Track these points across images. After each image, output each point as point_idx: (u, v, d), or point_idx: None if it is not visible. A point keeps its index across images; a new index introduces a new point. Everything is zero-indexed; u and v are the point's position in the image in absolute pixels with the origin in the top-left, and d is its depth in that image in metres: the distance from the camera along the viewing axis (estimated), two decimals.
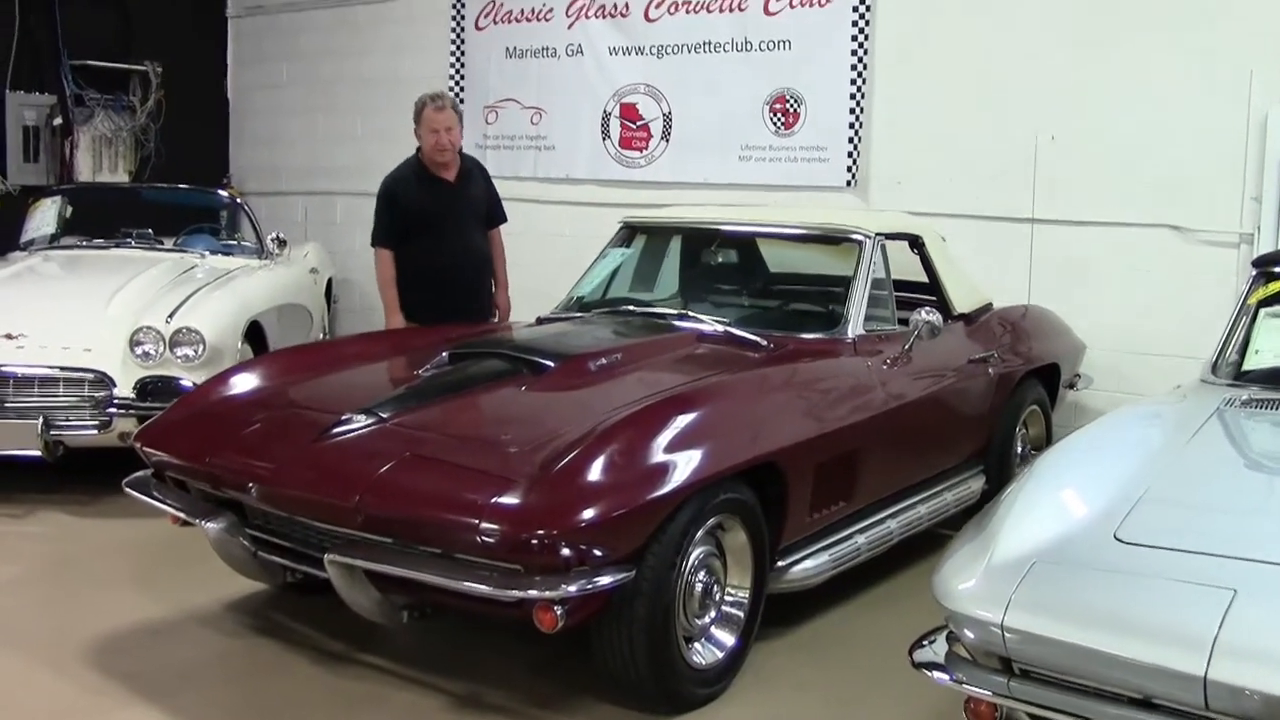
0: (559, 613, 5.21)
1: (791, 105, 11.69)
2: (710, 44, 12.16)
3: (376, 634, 6.69)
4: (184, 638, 6.75)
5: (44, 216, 11.79)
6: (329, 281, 13.39)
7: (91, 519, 8.75)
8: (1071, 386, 9.67)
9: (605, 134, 12.84)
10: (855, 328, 7.54)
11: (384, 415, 6.13)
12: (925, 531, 7.57)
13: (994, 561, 4.33)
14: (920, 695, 5.89)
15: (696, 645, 5.95)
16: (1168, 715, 3.82)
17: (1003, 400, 8.57)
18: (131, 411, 8.62)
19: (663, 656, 5.63)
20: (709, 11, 12.13)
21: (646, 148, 12.61)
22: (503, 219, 9.60)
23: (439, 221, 9.04)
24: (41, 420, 8.65)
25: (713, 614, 6.03)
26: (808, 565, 6.60)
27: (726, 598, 6.11)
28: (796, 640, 6.80)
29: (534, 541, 5.14)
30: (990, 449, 8.49)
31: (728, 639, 6.07)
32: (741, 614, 6.14)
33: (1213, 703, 3.70)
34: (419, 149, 9.26)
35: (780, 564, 6.44)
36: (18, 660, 6.41)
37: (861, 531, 7.07)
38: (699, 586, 5.87)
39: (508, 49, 13.46)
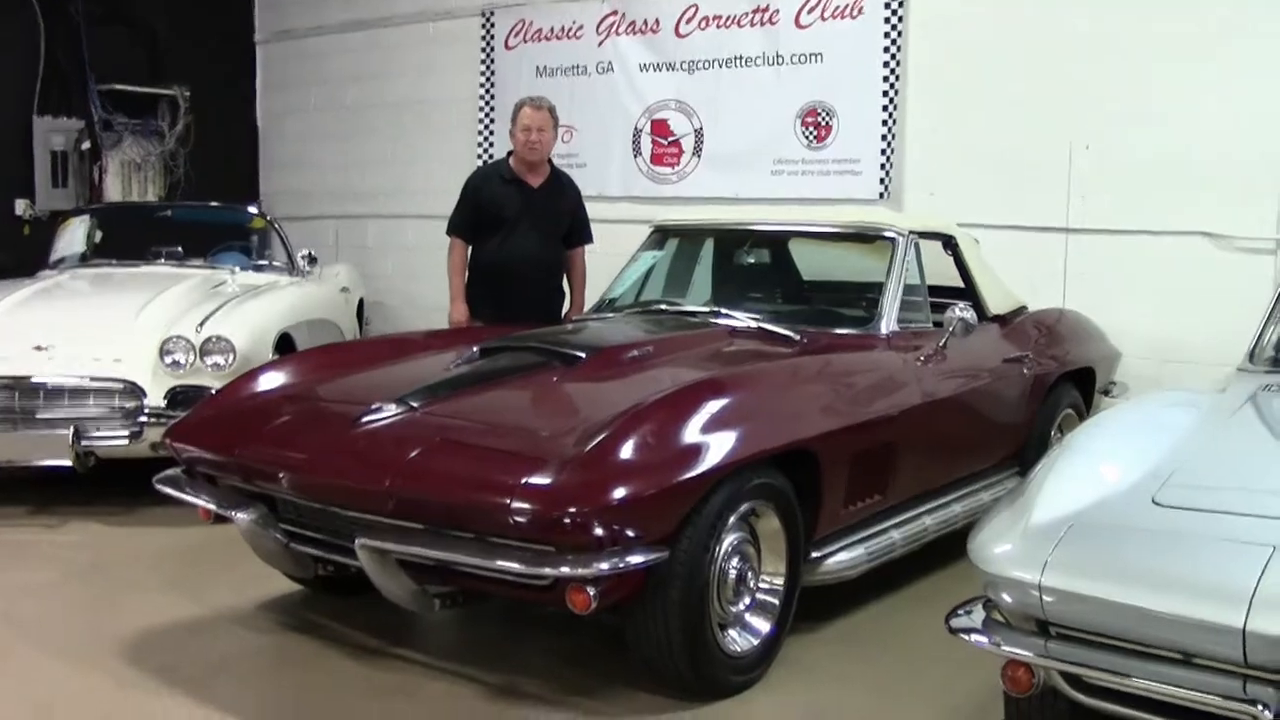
0: (592, 593, 5.17)
1: (823, 118, 11.69)
2: (741, 58, 12.18)
3: (410, 629, 6.72)
4: (218, 635, 6.72)
5: (73, 236, 11.79)
6: (360, 302, 13.35)
7: (124, 527, 8.71)
8: (1107, 393, 9.61)
9: (637, 150, 12.87)
10: (889, 324, 7.51)
11: (415, 404, 6.11)
12: (959, 531, 7.49)
13: (1031, 525, 4.30)
14: (960, 685, 5.93)
15: (732, 632, 5.90)
16: (1205, 672, 3.78)
17: (1037, 402, 8.52)
18: (162, 421, 8.45)
19: (698, 641, 5.59)
20: (739, 26, 12.16)
21: (678, 164, 12.63)
22: (587, 240, 9.67)
23: (512, 223, 9.13)
24: (72, 431, 8.58)
25: (747, 601, 5.98)
26: (843, 558, 6.55)
27: (761, 585, 6.05)
28: (833, 634, 6.77)
29: (566, 520, 5.10)
30: (1025, 451, 8.39)
31: (763, 626, 6.03)
32: (776, 601, 6.09)
33: (1251, 656, 3.66)
34: (510, 151, 9.41)
35: (815, 555, 6.39)
36: (54, 658, 6.38)
37: (897, 527, 7.04)
38: (733, 572, 5.82)
39: (538, 68, 13.52)
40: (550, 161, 9.44)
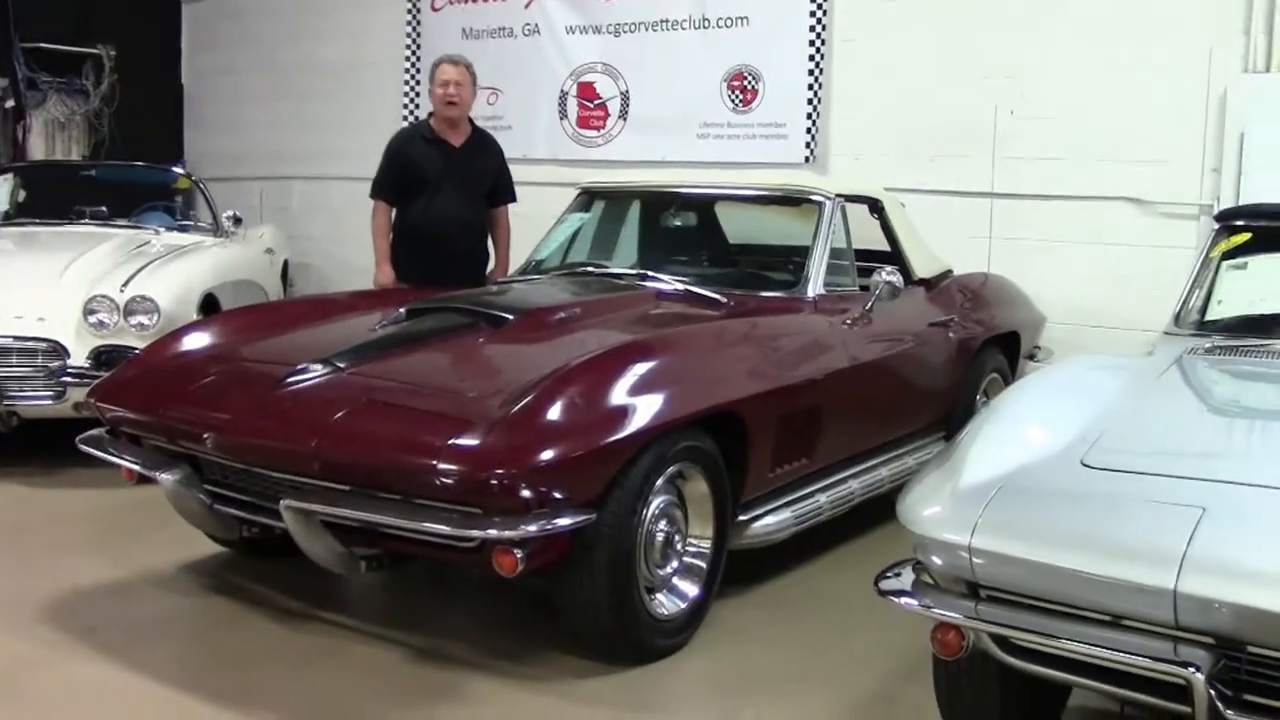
0: (519, 556, 5.14)
1: (750, 82, 11.68)
2: (668, 22, 12.17)
3: (336, 592, 6.68)
4: (140, 596, 6.67)
5: None
6: (285, 264, 13.29)
7: (46, 489, 8.63)
8: (1031, 358, 9.65)
9: (563, 113, 12.85)
10: (816, 287, 7.51)
11: (341, 365, 6.07)
12: (886, 495, 7.49)
13: (960, 487, 4.27)
14: (890, 647, 5.95)
15: (659, 596, 5.90)
16: (1136, 634, 3.77)
17: (963, 366, 8.57)
18: (86, 381, 8.27)
19: (625, 605, 5.57)
20: None
21: (604, 127, 12.61)
22: (510, 199, 9.61)
23: (434, 183, 9.07)
24: None
25: (675, 564, 5.97)
26: (770, 521, 6.56)
27: (688, 548, 6.05)
28: (761, 597, 6.76)
29: (493, 482, 5.09)
30: (952, 416, 8.42)
31: (690, 589, 6.02)
32: (704, 564, 6.09)
33: (1182, 617, 3.65)
34: (431, 112, 9.42)
35: (742, 518, 6.39)
36: None
37: (823, 490, 7.06)
38: (660, 536, 5.81)
39: (464, 29, 13.45)
40: (471, 120, 9.40)
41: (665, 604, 5.92)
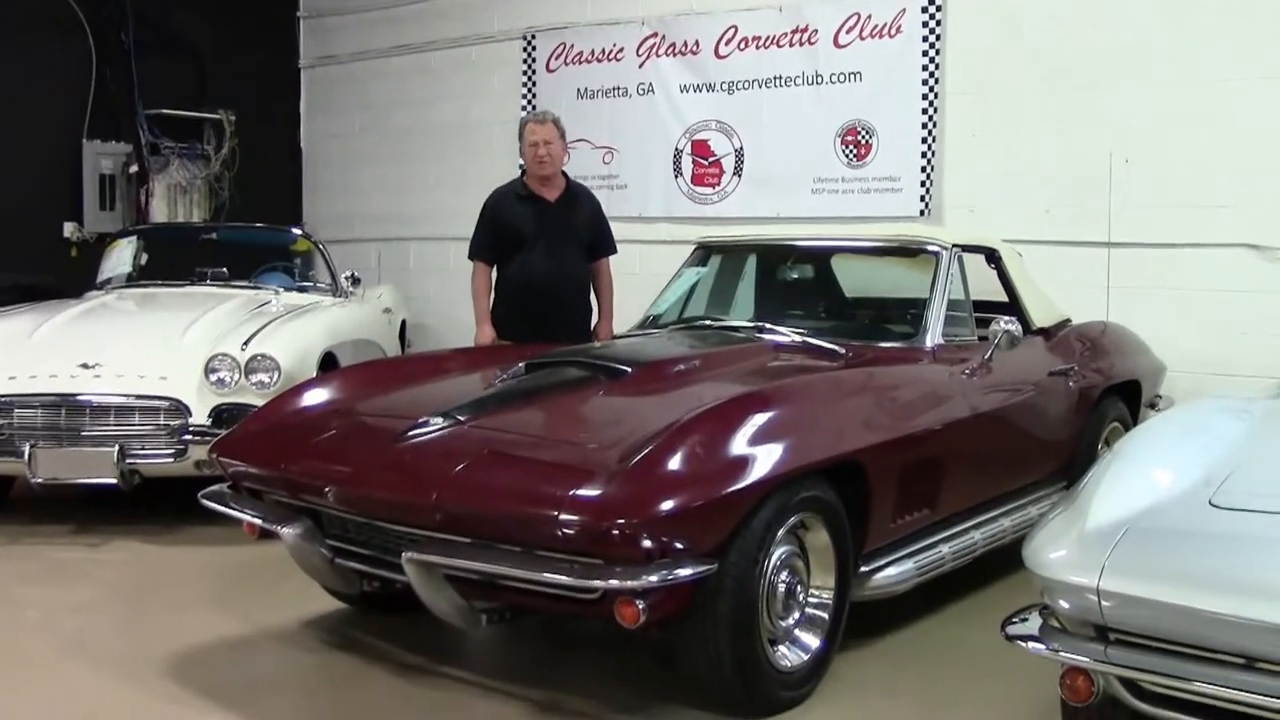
0: (641, 606, 5.10)
1: (863, 137, 11.67)
2: (781, 78, 12.17)
3: (455, 646, 6.70)
4: (261, 652, 6.71)
5: (120, 257, 11.90)
6: (403, 324, 13.39)
7: (168, 546, 8.72)
8: (1153, 406, 9.52)
9: (677, 171, 12.87)
10: (934, 337, 7.49)
11: (461, 418, 6.08)
12: (1009, 546, 7.41)
13: (1086, 529, 4.24)
14: (1015, 699, 5.85)
15: (781, 647, 5.84)
16: (1272, 676, 3.71)
17: (1084, 415, 8.47)
18: (207, 439, 8.34)
19: (747, 656, 5.52)
20: (779, 46, 12.17)
21: (719, 184, 12.62)
22: (610, 250, 9.62)
23: (532, 240, 9.10)
24: (117, 449, 8.60)
25: (796, 615, 5.91)
26: (892, 572, 6.47)
27: (810, 599, 5.99)
28: (883, 649, 6.69)
29: (614, 532, 5.06)
30: (1073, 465, 8.32)
31: (812, 641, 5.95)
32: (826, 616, 6.02)
33: None
34: (524, 169, 9.51)
35: (864, 569, 6.32)
36: (95, 674, 6.37)
37: (946, 541, 6.95)
38: (782, 586, 5.76)
39: (579, 90, 13.54)
40: (566, 175, 9.43)
41: (788, 656, 5.86)
